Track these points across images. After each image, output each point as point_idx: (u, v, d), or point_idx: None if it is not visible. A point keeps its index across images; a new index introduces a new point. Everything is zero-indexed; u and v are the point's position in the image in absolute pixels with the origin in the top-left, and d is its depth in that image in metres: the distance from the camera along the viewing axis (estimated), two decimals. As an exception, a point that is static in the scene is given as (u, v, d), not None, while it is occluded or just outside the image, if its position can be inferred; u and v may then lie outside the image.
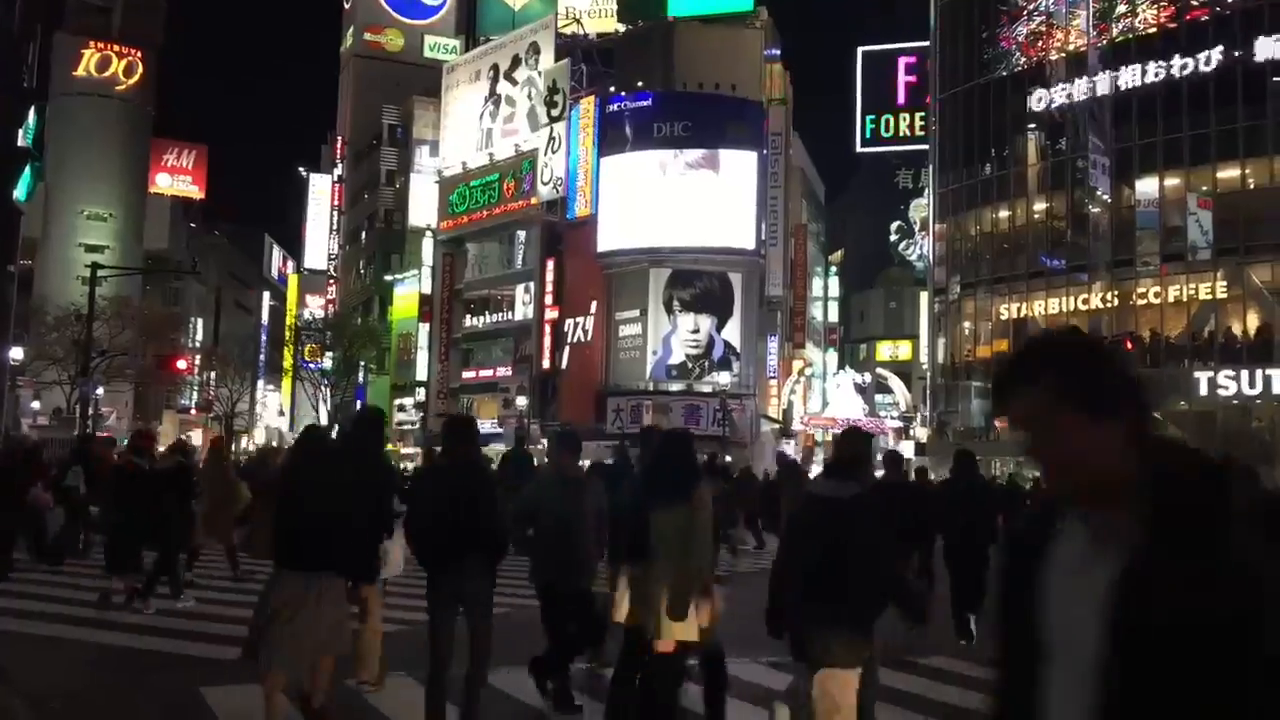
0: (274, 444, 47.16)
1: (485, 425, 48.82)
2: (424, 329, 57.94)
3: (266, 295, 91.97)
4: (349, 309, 70.61)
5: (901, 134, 72.91)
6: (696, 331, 44.67)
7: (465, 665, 5.82)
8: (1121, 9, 44.10)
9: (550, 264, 48.48)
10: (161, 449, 15.52)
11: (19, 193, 28.96)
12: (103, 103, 61.83)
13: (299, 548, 5.49)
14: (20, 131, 38.03)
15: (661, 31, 48.28)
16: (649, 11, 51.35)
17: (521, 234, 52.15)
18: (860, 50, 74.98)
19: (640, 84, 47.02)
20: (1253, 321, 40.50)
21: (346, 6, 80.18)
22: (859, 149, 75.92)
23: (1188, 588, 1.49)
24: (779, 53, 52.69)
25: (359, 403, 56.45)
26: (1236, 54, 40.00)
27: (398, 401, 61.52)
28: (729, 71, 45.95)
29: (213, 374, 67.73)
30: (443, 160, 56.68)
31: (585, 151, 46.80)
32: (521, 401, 47.49)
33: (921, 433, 53.48)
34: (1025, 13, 48.06)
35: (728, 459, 30.40)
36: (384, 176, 68.40)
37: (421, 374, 58.30)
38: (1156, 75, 42.08)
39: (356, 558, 6.09)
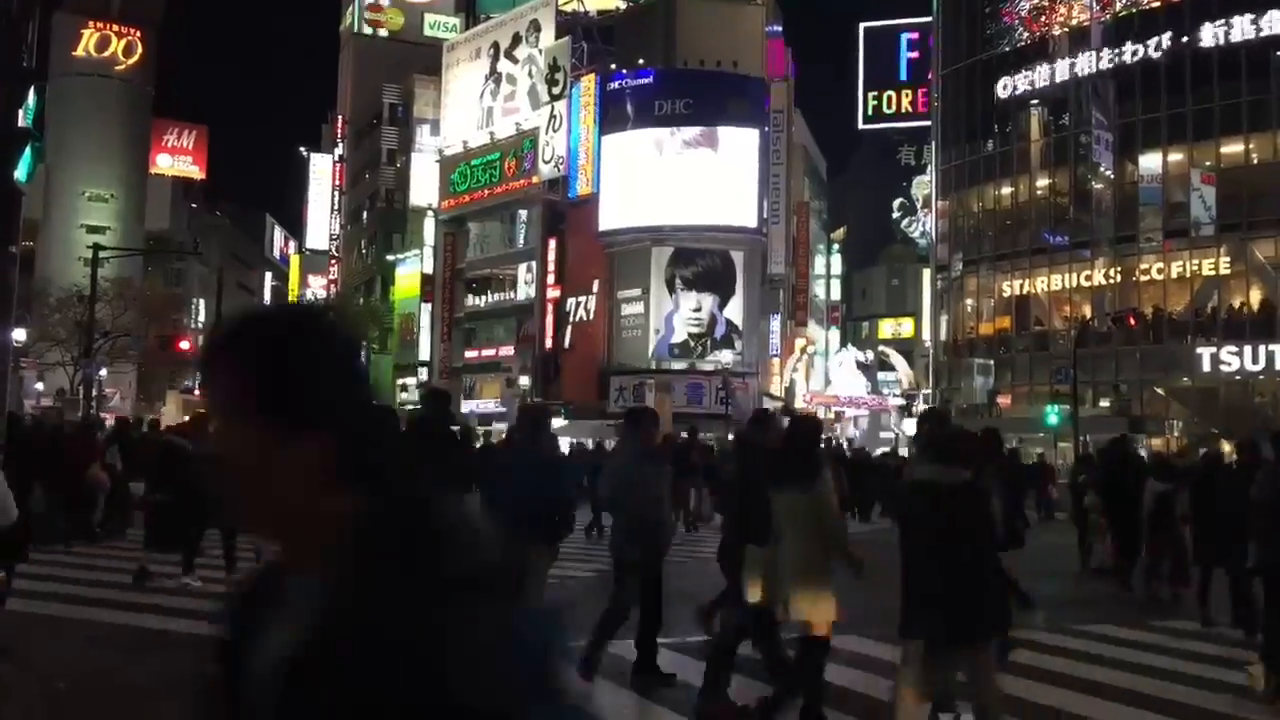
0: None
1: (488, 405, 48.99)
2: (426, 309, 57.94)
3: (269, 276, 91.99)
4: (351, 289, 70.64)
5: (904, 110, 72.57)
6: (699, 310, 44.64)
7: None
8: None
9: (552, 243, 48.42)
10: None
11: (20, 174, 28.86)
12: (102, 83, 61.59)
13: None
14: (20, 112, 37.85)
15: (663, 8, 48.00)
16: (650, -12, 51.07)
17: (523, 213, 52.06)
18: (862, 26, 74.58)
19: (641, 61, 46.82)
20: (1255, 297, 40.44)
21: (346, -16, 79.76)
22: (861, 126, 75.60)
23: (356, 674, 1.11)
24: (781, 29, 52.44)
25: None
26: (1240, 28, 39.76)
27: (400, 381, 61.60)
28: (731, 48, 45.73)
29: (215, 355, 67.55)
30: (443, 139, 56.51)
31: (586, 130, 46.65)
32: (524, 381, 47.52)
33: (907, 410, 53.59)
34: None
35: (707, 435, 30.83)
36: (385, 156, 68.21)
37: (424, 354, 58.34)
38: (1160, 50, 41.85)
39: None
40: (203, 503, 10.84)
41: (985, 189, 49.43)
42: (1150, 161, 42.74)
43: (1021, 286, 47.17)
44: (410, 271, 61.25)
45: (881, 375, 65.71)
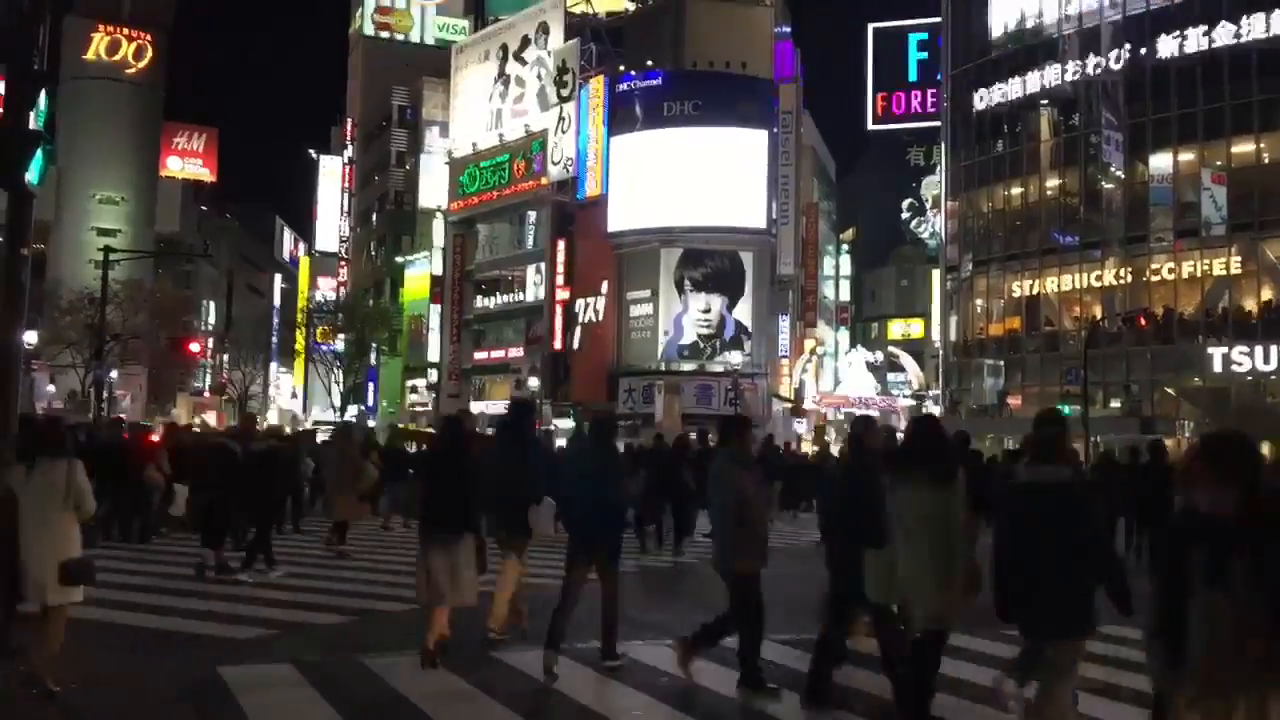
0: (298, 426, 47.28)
1: (498, 406, 49.06)
2: (435, 310, 58.04)
3: (278, 278, 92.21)
4: (360, 291, 70.77)
5: (913, 111, 72.47)
6: (708, 311, 44.63)
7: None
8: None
9: (561, 244, 48.47)
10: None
11: (31, 176, 28.94)
12: (113, 86, 61.80)
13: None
14: (31, 114, 37.95)
15: (672, 10, 48.03)
16: (658, -11, 51.08)
17: (532, 214, 52.11)
18: (871, 27, 74.43)
19: (650, 63, 46.84)
20: (1267, 296, 40.28)
21: (355, -13, 79.95)
22: (870, 126, 75.46)
23: None
24: (789, 30, 52.39)
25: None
26: (1251, 27, 39.59)
27: (410, 383, 61.74)
28: (739, 50, 45.73)
29: (225, 357, 67.92)
30: (452, 141, 56.61)
31: (595, 131, 46.67)
32: (533, 382, 47.57)
33: (934, 411, 53.37)
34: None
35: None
36: (394, 158, 68.38)
37: (434, 355, 58.45)
38: (1171, 49, 41.70)
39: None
40: (249, 501, 12.01)
41: (995, 189, 49.29)
42: (1161, 161, 42.57)
43: (1031, 287, 47.04)
44: (420, 273, 61.36)
45: (891, 376, 65.64)
